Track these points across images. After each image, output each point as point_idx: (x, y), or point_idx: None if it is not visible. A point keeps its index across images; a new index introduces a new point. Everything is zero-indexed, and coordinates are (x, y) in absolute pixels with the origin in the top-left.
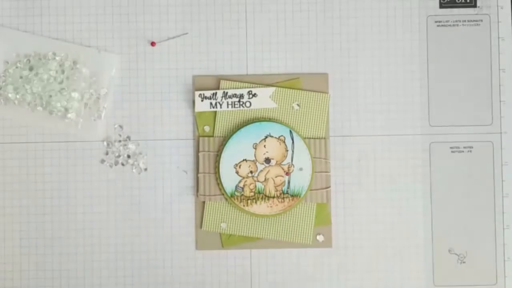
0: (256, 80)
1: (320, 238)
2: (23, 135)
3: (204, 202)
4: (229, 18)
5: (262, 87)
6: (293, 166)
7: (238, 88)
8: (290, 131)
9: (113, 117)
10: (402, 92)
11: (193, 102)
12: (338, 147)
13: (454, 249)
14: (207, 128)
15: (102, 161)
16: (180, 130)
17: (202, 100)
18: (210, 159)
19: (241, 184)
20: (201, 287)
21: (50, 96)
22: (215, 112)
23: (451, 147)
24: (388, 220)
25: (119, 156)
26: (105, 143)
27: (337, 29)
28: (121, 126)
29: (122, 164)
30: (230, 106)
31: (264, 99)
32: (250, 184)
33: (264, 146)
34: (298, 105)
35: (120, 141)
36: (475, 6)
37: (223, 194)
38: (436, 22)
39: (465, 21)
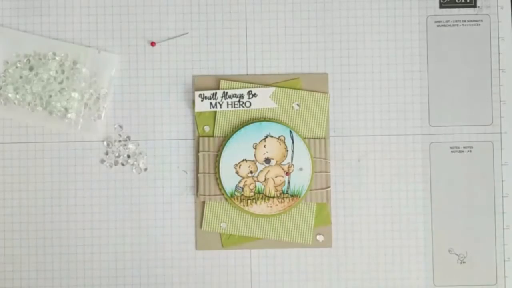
0: (256, 80)
1: (320, 238)
2: (23, 135)
3: (204, 202)
4: (229, 18)
5: (262, 87)
6: (293, 166)
7: (238, 88)
8: (290, 131)
9: (113, 117)
10: (402, 92)
11: (193, 102)
12: (338, 147)
13: (454, 249)
14: (207, 128)
15: (102, 161)
16: (180, 130)
17: (202, 100)
18: (210, 159)
19: (241, 184)
20: (201, 287)
21: (50, 96)
22: (215, 112)
23: (451, 147)
24: (388, 220)
25: (119, 156)
26: (105, 143)
27: (337, 29)
28: (121, 126)
29: (122, 164)
30: (230, 106)
31: (264, 99)
32: (250, 184)
33: (264, 146)
34: (298, 105)
35: (120, 141)
36: (475, 6)
37: (223, 194)
38: (436, 22)
39: (465, 21)
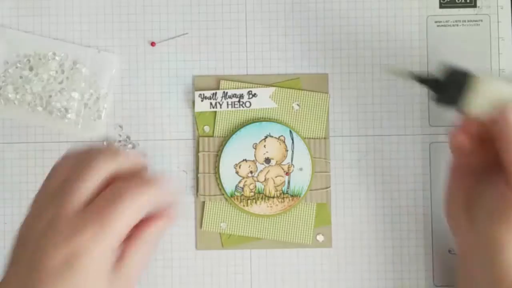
0: (256, 80)
1: (320, 238)
2: (23, 135)
3: (204, 202)
4: (229, 18)
5: (262, 87)
6: (293, 166)
7: (238, 88)
8: (290, 131)
9: (113, 117)
10: (402, 92)
11: (193, 102)
12: (338, 147)
13: (454, 249)
14: (207, 128)
15: None
16: (180, 130)
17: (202, 100)
18: (210, 159)
19: (241, 184)
20: (201, 287)
21: (50, 96)
22: (215, 112)
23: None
24: (388, 220)
25: None
26: (105, 143)
27: (337, 29)
28: (121, 126)
29: None
30: (230, 106)
31: (264, 99)
32: (250, 184)
33: (264, 146)
34: (298, 105)
35: (120, 141)
36: (475, 6)
37: (223, 194)
38: (436, 22)
39: (465, 21)
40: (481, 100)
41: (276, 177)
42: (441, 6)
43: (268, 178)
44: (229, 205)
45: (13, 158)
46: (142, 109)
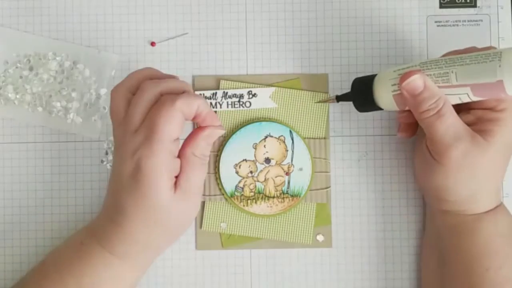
0: (256, 80)
1: (320, 238)
2: (23, 135)
3: (204, 202)
4: (229, 18)
5: (262, 87)
6: (293, 166)
7: (238, 88)
8: (290, 131)
9: None
10: None
11: None
12: (338, 147)
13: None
14: None
15: (102, 161)
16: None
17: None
18: (210, 159)
19: (241, 184)
20: (201, 287)
21: (50, 96)
22: (215, 112)
23: None
24: (388, 220)
25: None
26: (105, 143)
27: (337, 29)
28: None
29: None
30: (230, 106)
31: (264, 99)
32: (250, 184)
33: (264, 146)
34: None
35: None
36: (475, 6)
37: (223, 194)
38: (436, 22)
39: (465, 21)
40: (385, 93)
41: (276, 177)
42: (441, 6)
43: (268, 178)
44: (229, 205)
45: (13, 158)
46: None
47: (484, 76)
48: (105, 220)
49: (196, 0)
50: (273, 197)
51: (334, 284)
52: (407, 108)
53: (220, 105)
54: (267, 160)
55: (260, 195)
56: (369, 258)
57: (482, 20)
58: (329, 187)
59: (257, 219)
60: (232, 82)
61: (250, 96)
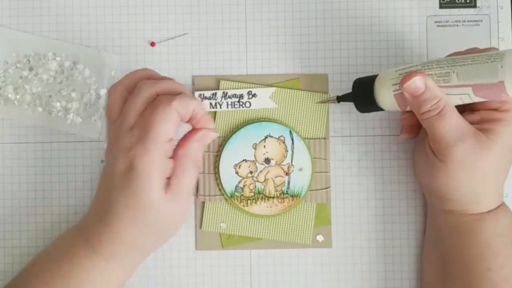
0: (256, 80)
1: (320, 238)
2: (23, 135)
3: (204, 202)
4: (229, 18)
5: (262, 87)
6: (293, 166)
7: (238, 88)
8: (290, 131)
9: None
10: None
11: None
12: (338, 147)
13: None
14: None
15: (102, 161)
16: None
17: (202, 101)
18: (210, 159)
19: (241, 184)
20: (201, 287)
21: (50, 96)
22: (215, 112)
23: None
24: (388, 220)
25: None
26: (105, 143)
27: (337, 29)
28: None
29: None
30: (230, 106)
31: (264, 99)
32: (250, 184)
33: (264, 146)
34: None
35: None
36: (475, 6)
37: (223, 195)
38: (436, 22)
39: (465, 21)
40: (386, 93)
41: (276, 177)
42: (441, 6)
43: (268, 178)
44: (229, 205)
45: (13, 158)
46: None
47: (486, 77)
48: (93, 220)
49: (196, 0)
50: (273, 197)
51: (334, 284)
52: (408, 109)
53: (220, 105)
54: (267, 161)
55: (260, 195)
56: (369, 258)
57: (482, 20)
58: (329, 187)
59: (257, 219)
60: (232, 82)
61: (250, 96)
